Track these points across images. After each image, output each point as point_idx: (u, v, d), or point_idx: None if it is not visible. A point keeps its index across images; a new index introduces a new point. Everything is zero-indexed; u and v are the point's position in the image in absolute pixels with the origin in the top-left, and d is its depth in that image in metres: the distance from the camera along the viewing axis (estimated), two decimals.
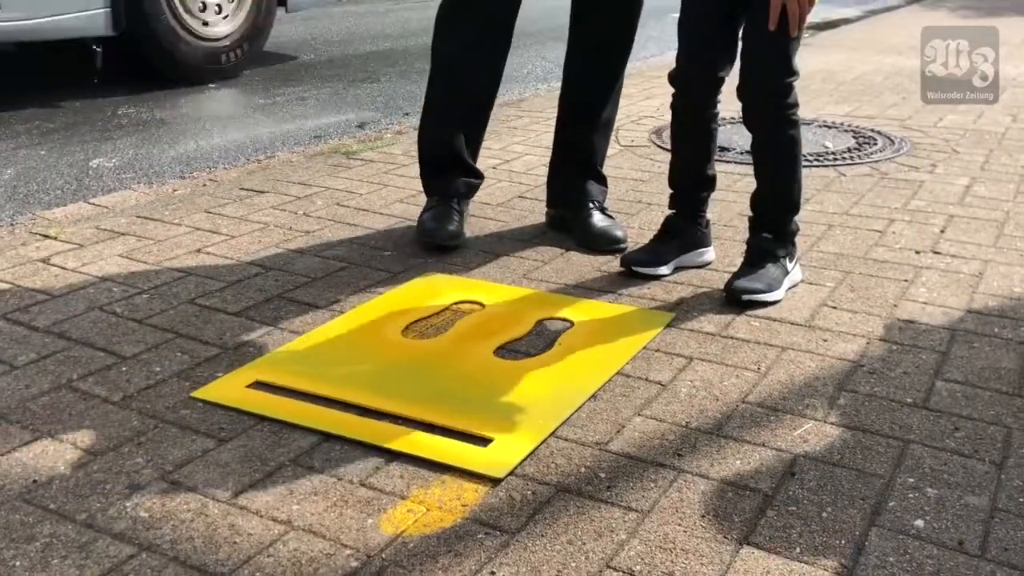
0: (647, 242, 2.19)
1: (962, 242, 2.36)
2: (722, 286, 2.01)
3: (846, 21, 8.87)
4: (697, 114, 2.11)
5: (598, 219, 2.34)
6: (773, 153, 2.04)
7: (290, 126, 4.13)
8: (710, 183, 2.17)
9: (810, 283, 2.08)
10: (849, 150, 3.30)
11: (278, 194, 2.76)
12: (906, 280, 2.10)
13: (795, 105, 1.98)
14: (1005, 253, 2.28)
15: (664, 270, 2.11)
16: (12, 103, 4.19)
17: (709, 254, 2.19)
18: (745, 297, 1.93)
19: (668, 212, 2.20)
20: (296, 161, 3.18)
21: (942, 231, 2.44)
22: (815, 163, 3.12)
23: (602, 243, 2.28)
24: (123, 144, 3.73)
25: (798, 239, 2.09)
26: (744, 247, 2.09)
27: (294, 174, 2.99)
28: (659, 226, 2.20)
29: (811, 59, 5.68)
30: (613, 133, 2.58)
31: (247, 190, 2.80)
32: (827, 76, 5.02)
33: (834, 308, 1.95)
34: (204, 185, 2.88)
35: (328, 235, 2.39)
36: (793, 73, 1.95)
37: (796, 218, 2.07)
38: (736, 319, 1.89)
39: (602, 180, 2.45)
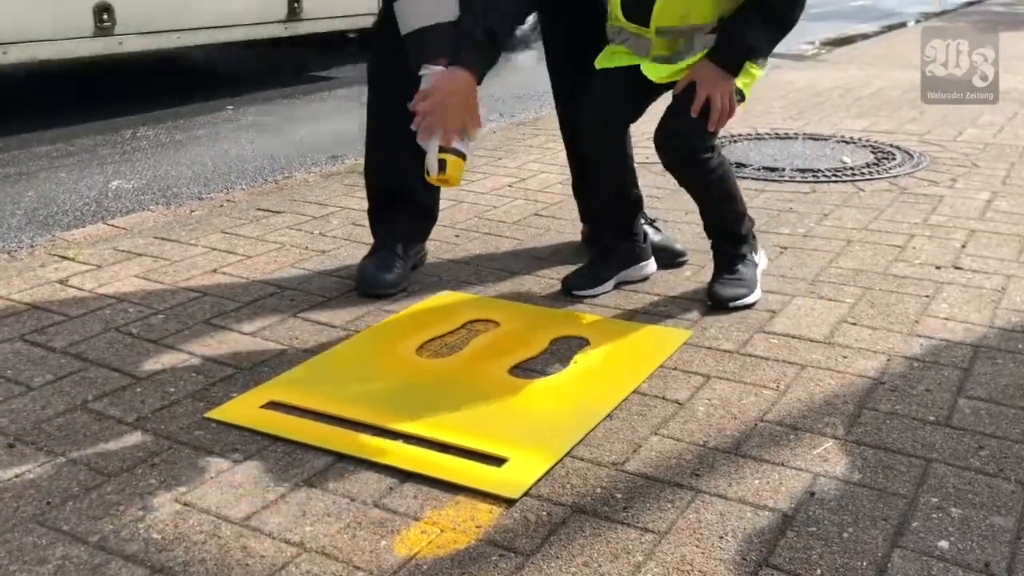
0: (586, 263, 2.18)
1: (984, 257, 2.32)
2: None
3: (863, 36, 8.84)
4: (609, 149, 2.08)
5: (651, 233, 2.30)
6: (704, 193, 2.06)
7: (307, 146, 4.15)
8: (637, 204, 2.16)
9: (829, 299, 2.06)
10: (867, 165, 3.28)
11: (294, 214, 2.77)
12: (927, 296, 2.07)
13: (713, 149, 1.97)
14: None
15: (605, 287, 2.11)
16: (33, 126, 4.24)
17: (649, 267, 2.19)
18: (732, 304, 1.99)
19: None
20: (313, 181, 3.19)
21: (963, 246, 2.41)
22: (833, 179, 3.10)
23: (663, 257, 2.25)
24: (142, 166, 3.77)
25: (758, 230, 2.17)
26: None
27: (311, 194, 3.00)
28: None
29: (828, 74, 5.66)
30: None
31: (264, 210, 2.81)
32: (844, 91, 5.00)
33: (854, 324, 1.92)
34: (221, 206, 2.89)
35: (344, 254, 2.39)
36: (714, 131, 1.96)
37: (748, 216, 2.11)
38: (754, 336, 1.87)
39: None
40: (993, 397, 1.61)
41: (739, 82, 1.92)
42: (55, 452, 1.47)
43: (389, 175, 2.23)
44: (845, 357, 1.77)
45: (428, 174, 1.84)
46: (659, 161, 2.00)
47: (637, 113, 2.06)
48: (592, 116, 2.03)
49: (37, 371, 1.74)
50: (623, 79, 1.99)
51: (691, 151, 1.94)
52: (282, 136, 4.41)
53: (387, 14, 2.14)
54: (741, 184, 2.85)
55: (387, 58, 2.12)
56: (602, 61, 2.04)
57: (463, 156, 1.83)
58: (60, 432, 1.53)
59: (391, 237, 2.20)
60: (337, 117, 4.90)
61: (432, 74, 1.83)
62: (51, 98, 5.25)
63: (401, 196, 2.22)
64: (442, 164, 1.80)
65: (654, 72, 1.94)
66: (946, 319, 1.94)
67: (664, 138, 1.96)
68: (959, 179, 3.10)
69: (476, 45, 1.81)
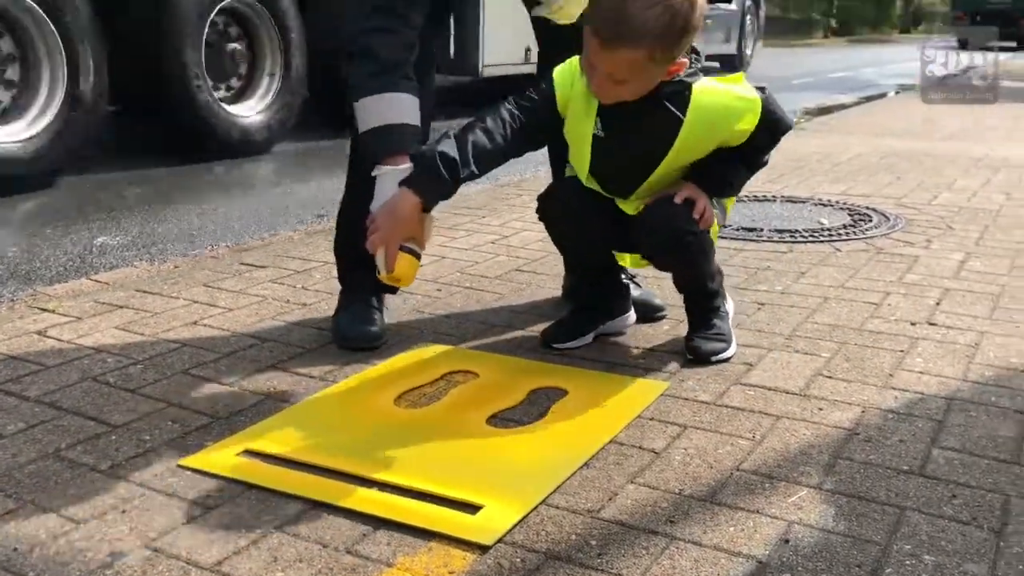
0: (566, 315, 2.19)
1: (958, 314, 2.35)
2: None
3: (842, 107, 9.05)
4: (583, 245, 2.12)
5: (631, 288, 2.32)
6: (685, 270, 2.07)
7: (293, 205, 4.19)
8: (617, 265, 2.18)
9: (806, 353, 2.08)
10: (844, 226, 3.33)
11: (277, 268, 2.78)
12: (902, 351, 2.09)
13: (696, 233, 1.96)
14: (1001, 325, 2.27)
15: (584, 340, 2.13)
16: (20, 183, 4.26)
17: (628, 320, 2.21)
18: (713, 358, 2.01)
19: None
20: (298, 238, 3.21)
21: (937, 303, 2.44)
22: (810, 239, 3.15)
23: (642, 312, 2.27)
24: (128, 223, 3.79)
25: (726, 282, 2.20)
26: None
27: (295, 250, 3.02)
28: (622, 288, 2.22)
29: (807, 141, 5.78)
30: None
31: (247, 265, 2.82)
32: (823, 157, 5.10)
33: (829, 377, 1.94)
34: (205, 261, 2.91)
35: (324, 307, 2.40)
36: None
37: (719, 270, 2.14)
38: (731, 388, 1.88)
39: None
40: (966, 448, 1.62)
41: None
42: (24, 499, 1.45)
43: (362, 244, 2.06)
44: (820, 409, 1.78)
45: (379, 273, 1.84)
46: None
47: (608, 226, 2.04)
48: (564, 210, 2.05)
49: (9, 419, 1.73)
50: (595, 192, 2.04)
51: (679, 236, 1.94)
52: (269, 195, 4.45)
53: None
54: (720, 244, 2.90)
55: None
56: (571, 172, 2.08)
57: (416, 255, 1.85)
58: (30, 479, 1.51)
59: (362, 289, 2.20)
60: (324, 175, 4.95)
61: (384, 176, 1.84)
62: None
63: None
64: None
65: (630, 206, 2.00)
66: (920, 373, 1.96)
67: (645, 234, 1.97)
68: (934, 240, 3.15)
69: (437, 178, 1.79)
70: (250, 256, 2.94)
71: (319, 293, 2.53)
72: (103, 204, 4.15)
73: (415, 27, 1.92)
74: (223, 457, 1.59)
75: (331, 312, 2.34)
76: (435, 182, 1.80)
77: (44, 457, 1.59)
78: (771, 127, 1.93)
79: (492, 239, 3.14)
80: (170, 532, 1.36)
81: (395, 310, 2.36)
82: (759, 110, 1.89)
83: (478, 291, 2.55)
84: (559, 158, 2.26)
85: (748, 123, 1.89)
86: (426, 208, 1.82)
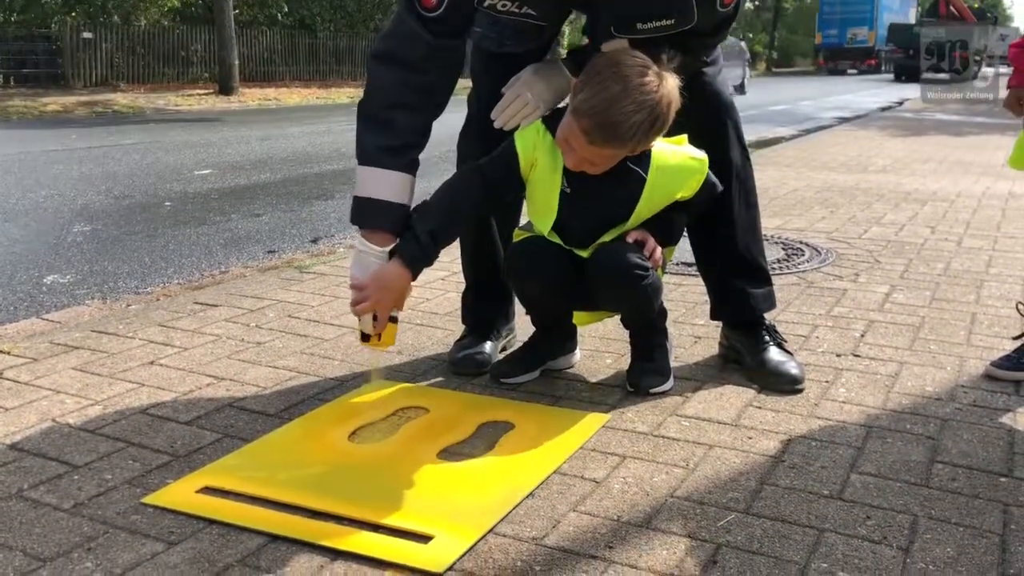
0: (514, 351, 2.32)
1: (880, 345, 2.51)
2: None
3: (781, 139, 9.35)
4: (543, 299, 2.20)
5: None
6: (640, 307, 2.15)
7: (244, 242, 4.24)
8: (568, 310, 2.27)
9: (738, 385, 2.20)
10: (778, 261, 3.49)
11: (231, 307, 2.84)
12: (827, 381, 2.23)
13: (649, 269, 2.05)
14: (919, 355, 2.43)
15: (532, 375, 2.24)
16: None
17: (574, 357, 2.34)
18: (652, 391, 2.14)
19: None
20: (250, 275, 3.28)
21: (862, 335, 2.60)
22: None
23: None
24: (78, 260, 3.81)
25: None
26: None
27: (247, 288, 3.08)
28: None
29: None
30: None
31: (201, 304, 2.88)
32: (761, 191, 5.27)
33: (759, 408, 2.06)
34: (158, 300, 2.96)
35: (279, 346, 2.47)
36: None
37: (664, 308, 2.24)
38: (667, 419, 2.00)
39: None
40: (881, 472, 1.75)
41: None
42: None
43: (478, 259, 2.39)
44: (750, 438, 1.91)
45: (363, 340, 1.97)
46: None
47: (571, 282, 2.11)
48: (532, 271, 2.11)
49: None
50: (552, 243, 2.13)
51: (631, 271, 2.03)
52: (220, 232, 4.50)
53: (477, 97, 2.23)
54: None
55: (478, 139, 2.20)
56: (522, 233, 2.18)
57: (396, 320, 2.00)
58: None
59: (475, 327, 2.40)
60: (274, 214, 5.01)
61: (364, 253, 1.96)
62: None
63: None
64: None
65: (585, 252, 2.09)
66: (843, 402, 2.10)
67: (600, 272, 2.04)
68: (862, 274, 3.33)
69: (422, 247, 1.95)
70: (203, 295, 3.00)
71: (273, 332, 2.60)
72: (51, 242, 4.16)
73: (440, 107, 2.01)
74: (184, 494, 1.65)
75: (285, 351, 2.42)
76: (423, 260, 1.97)
77: (7, 498, 1.64)
78: (711, 188, 2.12)
79: (442, 275, 3.24)
80: (135, 568, 1.43)
81: (349, 347, 2.45)
82: (706, 170, 2.07)
83: (429, 327, 2.64)
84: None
85: (697, 181, 2.07)
86: (413, 279, 1.98)
